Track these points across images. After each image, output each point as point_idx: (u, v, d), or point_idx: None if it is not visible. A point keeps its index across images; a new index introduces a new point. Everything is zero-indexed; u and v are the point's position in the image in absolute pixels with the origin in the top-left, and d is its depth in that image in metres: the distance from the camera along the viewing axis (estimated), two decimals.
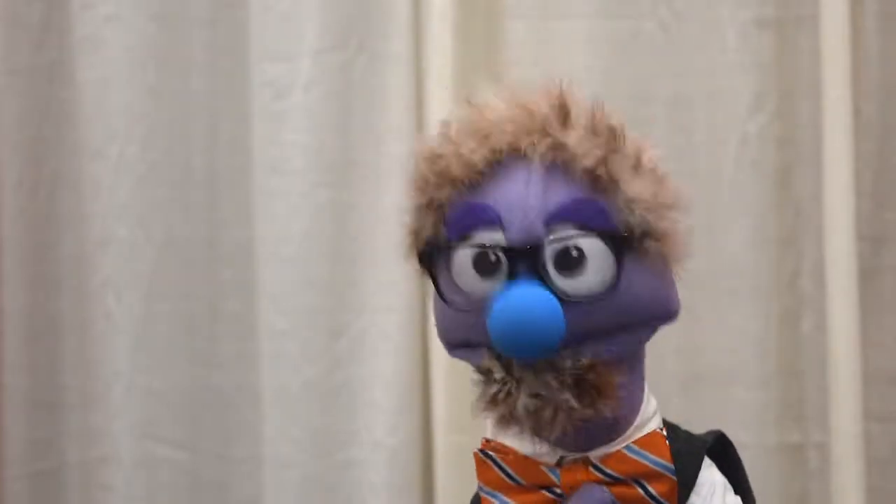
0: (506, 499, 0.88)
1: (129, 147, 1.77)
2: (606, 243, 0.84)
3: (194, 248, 1.79)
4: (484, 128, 0.86)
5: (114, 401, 1.78)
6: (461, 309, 0.86)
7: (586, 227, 0.84)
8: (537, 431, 0.85)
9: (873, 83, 1.63)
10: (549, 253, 0.83)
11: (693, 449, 0.90)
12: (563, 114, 0.85)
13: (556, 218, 0.84)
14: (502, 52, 1.69)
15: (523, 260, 0.83)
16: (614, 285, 0.84)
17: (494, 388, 0.84)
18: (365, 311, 1.72)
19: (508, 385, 0.84)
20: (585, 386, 0.83)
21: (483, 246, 0.84)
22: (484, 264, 0.84)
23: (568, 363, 0.83)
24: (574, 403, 0.83)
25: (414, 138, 0.85)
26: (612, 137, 0.85)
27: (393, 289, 1.70)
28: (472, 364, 0.87)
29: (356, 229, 1.72)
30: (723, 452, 0.92)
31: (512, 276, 0.83)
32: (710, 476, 0.90)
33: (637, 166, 0.85)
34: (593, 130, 0.85)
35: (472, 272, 0.85)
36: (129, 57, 1.76)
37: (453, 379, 1.63)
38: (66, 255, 1.80)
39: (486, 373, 0.85)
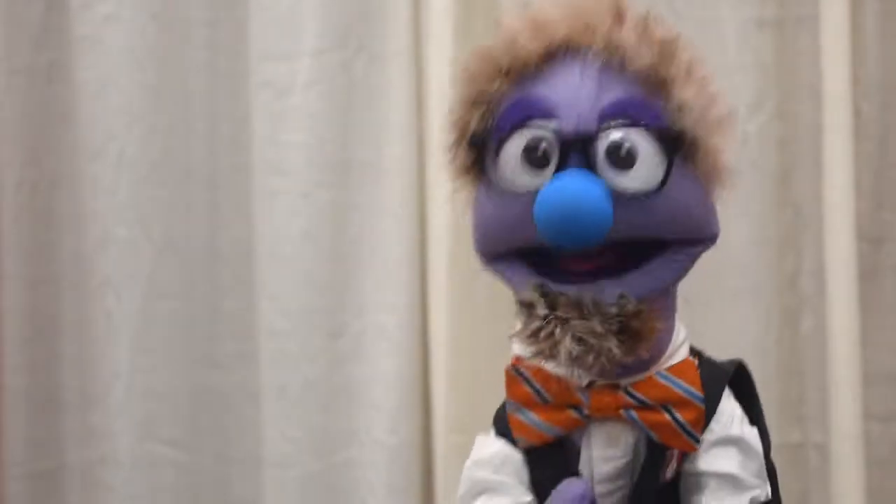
0: (533, 415, 0.88)
1: (129, 147, 1.77)
2: (657, 143, 0.85)
3: (194, 248, 1.79)
4: (539, 22, 0.87)
5: (114, 401, 1.78)
6: (510, 194, 0.85)
7: (638, 125, 0.85)
8: (573, 369, 0.85)
9: (873, 83, 1.63)
10: (600, 147, 0.84)
11: (716, 377, 0.91)
12: (619, 15, 0.87)
13: (610, 113, 0.85)
14: None
15: (575, 152, 0.84)
16: (662, 185, 0.84)
17: (537, 324, 0.84)
18: (365, 311, 1.72)
19: (552, 325, 0.84)
20: (629, 332, 0.84)
21: (538, 129, 0.84)
22: (534, 156, 0.85)
23: (614, 309, 0.84)
24: (616, 350, 0.84)
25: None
26: (665, 42, 0.87)
27: (393, 289, 1.70)
28: (510, 284, 0.87)
29: (356, 229, 1.72)
30: (739, 383, 0.93)
31: (562, 168, 0.84)
32: (730, 406, 0.91)
33: (689, 74, 0.87)
34: (647, 34, 0.86)
35: (521, 164, 0.85)
36: (128, 57, 1.76)
37: (453, 379, 1.63)
38: (66, 255, 1.80)
39: (528, 307, 0.85)
